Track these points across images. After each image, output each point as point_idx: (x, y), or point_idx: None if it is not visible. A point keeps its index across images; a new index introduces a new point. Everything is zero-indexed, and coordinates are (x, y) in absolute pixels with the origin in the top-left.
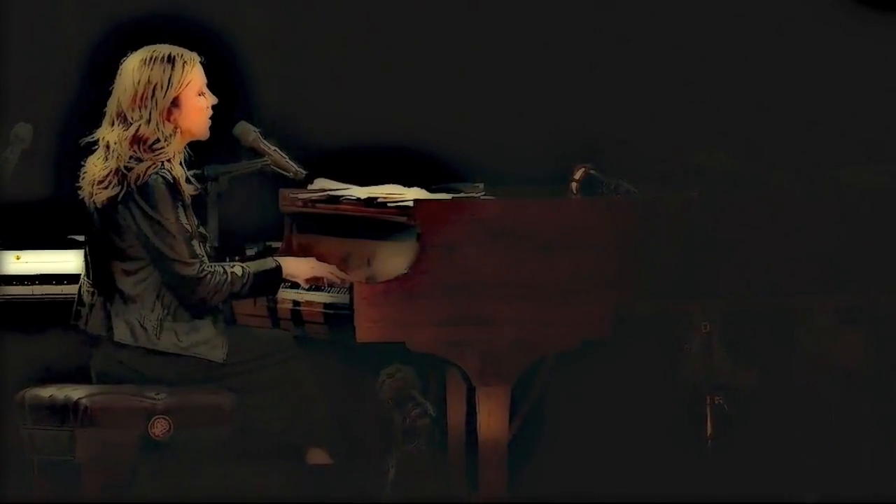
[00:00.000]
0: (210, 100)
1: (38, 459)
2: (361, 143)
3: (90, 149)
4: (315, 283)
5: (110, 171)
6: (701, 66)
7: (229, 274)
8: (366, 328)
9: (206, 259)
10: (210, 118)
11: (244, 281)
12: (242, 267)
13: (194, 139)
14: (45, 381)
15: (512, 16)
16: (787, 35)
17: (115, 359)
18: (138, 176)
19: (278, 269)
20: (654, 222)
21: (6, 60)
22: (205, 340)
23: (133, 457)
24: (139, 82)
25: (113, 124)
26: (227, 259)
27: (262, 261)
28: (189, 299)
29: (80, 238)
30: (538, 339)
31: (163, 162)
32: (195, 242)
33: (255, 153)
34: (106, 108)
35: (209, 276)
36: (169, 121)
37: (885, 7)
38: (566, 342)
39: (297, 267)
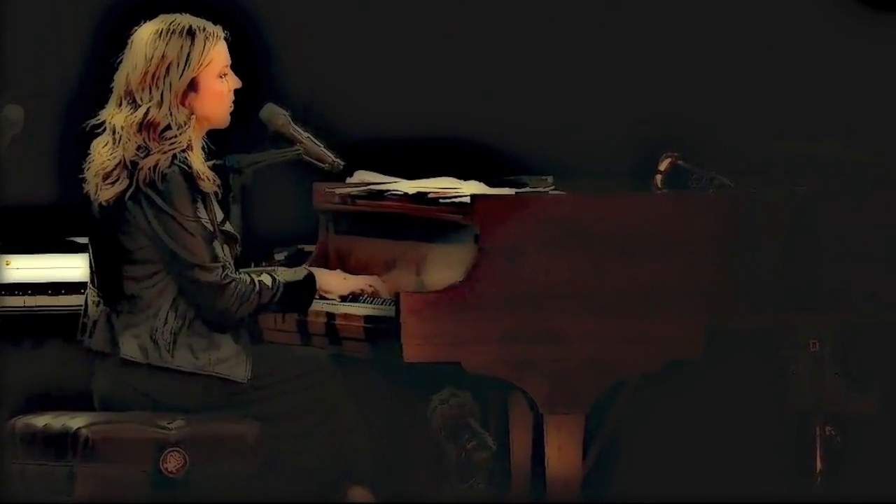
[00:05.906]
0: (233, 83)
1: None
2: (409, 130)
3: (92, 136)
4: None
5: (117, 164)
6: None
7: (257, 283)
8: (414, 346)
9: (230, 264)
10: (232, 103)
11: (274, 292)
12: (272, 276)
13: (212, 127)
14: (39, 407)
15: None
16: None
17: (121, 380)
18: (147, 171)
19: (311, 279)
20: (754, 221)
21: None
22: (225, 358)
23: (142, 496)
24: (151, 58)
25: (120, 104)
26: (253, 265)
27: (292, 270)
28: (210, 310)
29: (82, 240)
30: (616, 359)
31: (176, 153)
32: (217, 244)
33: (285, 140)
34: (113, 85)
35: (233, 283)
36: (184, 105)
37: None
38: (649, 363)
39: (330, 282)
